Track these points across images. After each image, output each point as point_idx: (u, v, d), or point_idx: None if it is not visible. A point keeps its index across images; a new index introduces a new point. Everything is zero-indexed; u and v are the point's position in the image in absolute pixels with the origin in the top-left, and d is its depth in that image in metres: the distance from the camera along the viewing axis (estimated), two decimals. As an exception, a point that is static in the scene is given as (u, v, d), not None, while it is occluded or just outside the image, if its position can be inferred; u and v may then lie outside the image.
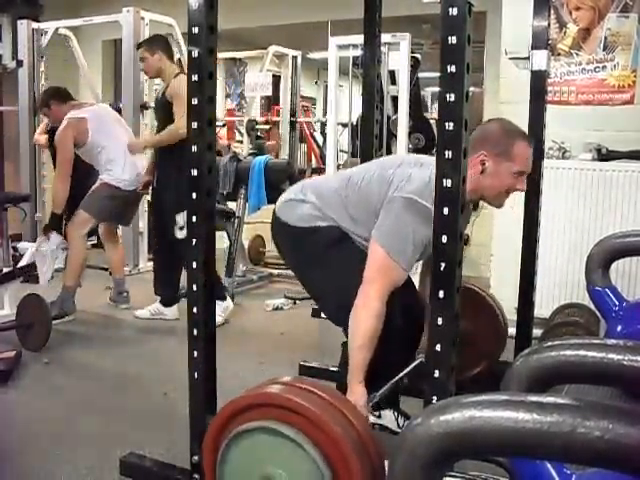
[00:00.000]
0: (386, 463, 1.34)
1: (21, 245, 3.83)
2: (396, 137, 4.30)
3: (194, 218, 1.77)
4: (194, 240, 1.78)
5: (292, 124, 6.57)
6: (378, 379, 2.02)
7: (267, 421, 1.41)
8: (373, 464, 1.38)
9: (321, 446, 1.36)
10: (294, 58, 6.60)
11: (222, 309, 3.67)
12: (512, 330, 2.64)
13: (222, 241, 4.48)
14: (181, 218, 3.52)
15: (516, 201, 2.58)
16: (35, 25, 5.46)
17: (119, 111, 4.68)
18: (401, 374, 2.07)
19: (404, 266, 1.89)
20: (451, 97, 1.44)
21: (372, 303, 1.86)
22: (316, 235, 2.07)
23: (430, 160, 1.98)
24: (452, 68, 1.44)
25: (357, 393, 1.87)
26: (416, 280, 2.39)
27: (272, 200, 4.49)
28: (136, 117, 5.02)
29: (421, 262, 2.30)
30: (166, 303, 3.83)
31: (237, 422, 1.47)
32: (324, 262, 2.08)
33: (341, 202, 2.06)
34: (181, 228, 3.53)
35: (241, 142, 7.45)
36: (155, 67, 3.71)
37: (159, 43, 3.76)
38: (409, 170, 1.97)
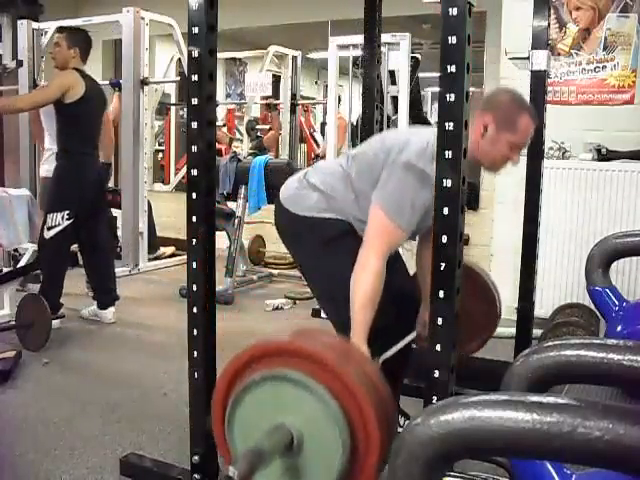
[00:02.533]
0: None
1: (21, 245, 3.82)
2: (396, 137, 4.29)
3: (194, 218, 1.77)
4: (194, 240, 1.78)
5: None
6: (378, 346, 2.02)
7: (280, 369, 1.35)
8: (383, 405, 1.33)
9: (332, 388, 1.30)
10: (294, 58, 6.60)
11: (112, 314, 3.73)
12: (512, 330, 2.64)
13: (222, 241, 4.48)
14: (53, 218, 3.46)
15: (517, 201, 2.58)
16: (35, 25, 5.46)
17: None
18: (400, 344, 2.07)
19: (403, 227, 1.88)
20: (451, 97, 1.44)
21: (372, 263, 1.85)
22: (321, 228, 2.06)
23: (429, 128, 2.09)
24: (452, 68, 1.44)
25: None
26: (411, 268, 2.38)
27: (272, 200, 4.50)
28: (135, 117, 5.02)
29: (417, 242, 2.31)
30: (102, 306, 3.78)
31: (247, 373, 1.40)
32: (328, 255, 2.06)
33: (346, 178, 2.05)
34: (49, 228, 3.46)
35: (241, 141, 7.46)
36: (64, 59, 3.62)
37: (81, 42, 3.70)
38: (407, 137, 1.99)
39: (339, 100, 4.75)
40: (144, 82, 5.07)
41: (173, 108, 7.86)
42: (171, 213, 5.78)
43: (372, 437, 1.28)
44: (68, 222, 3.45)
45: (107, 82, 5.20)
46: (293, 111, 6.65)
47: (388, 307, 1.92)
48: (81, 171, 3.53)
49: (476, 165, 2.04)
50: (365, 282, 1.85)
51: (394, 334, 2.09)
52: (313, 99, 9.34)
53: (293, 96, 6.62)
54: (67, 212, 3.44)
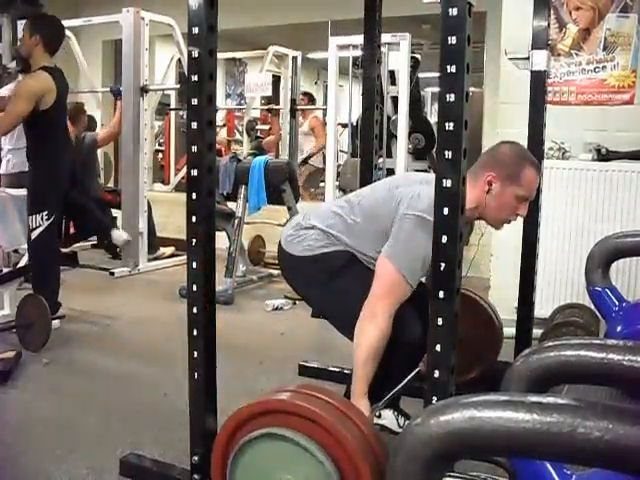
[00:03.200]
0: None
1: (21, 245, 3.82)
2: (396, 137, 4.30)
3: (194, 218, 1.77)
4: (194, 240, 1.78)
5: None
6: (381, 389, 2.03)
7: (273, 428, 1.42)
8: (380, 467, 1.39)
9: (329, 449, 1.37)
10: (294, 58, 6.60)
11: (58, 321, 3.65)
12: (512, 330, 2.64)
13: (222, 241, 4.48)
14: (33, 220, 3.43)
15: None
16: (35, 25, 5.45)
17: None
18: (402, 383, 2.08)
19: (412, 283, 1.90)
20: (451, 97, 1.44)
21: (379, 318, 1.87)
22: (324, 261, 2.07)
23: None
24: (452, 68, 1.44)
25: (361, 406, 1.87)
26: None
27: (272, 200, 4.51)
28: (135, 119, 5.02)
29: None
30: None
31: (245, 430, 1.48)
32: (335, 285, 2.08)
33: (347, 225, 2.06)
34: (32, 230, 3.44)
35: (241, 143, 7.47)
36: (27, 50, 3.45)
37: (44, 29, 3.42)
38: (417, 187, 1.97)
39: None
40: (144, 89, 5.09)
41: (173, 108, 7.89)
42: (170, 213, 5.78)
43: None
44: (48, 221, 3.43)
45: (107, 89, 5.23)
46: (293, 115, 6.67)
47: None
48: (54, 169, 3.48)
49: (479, 219, 2.05)
50: (371, 336, 1.87)
51: (399, 379, 2.10)
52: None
53: (293, 101, 6.63)
54: (45, 212, 3.43)
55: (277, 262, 2.31)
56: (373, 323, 1.87)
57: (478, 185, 1.94)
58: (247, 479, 1.47)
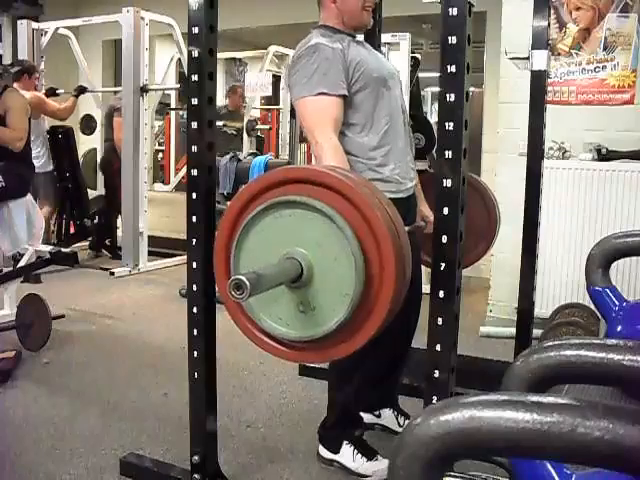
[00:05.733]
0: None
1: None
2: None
3: (194, 218, 1.77)
4: (194, 240, 1.78)
5: (292, 112, 6.61)
6: (375, 390, 2.07)
7: (291, 195, 1.30)
8: (402, 247, 1.28)
9: (351, 220, 1.25)
10: (294, 58, 6.60)
11: None
12: (512, 330, 2.64)
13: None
14: None
15: (517, 201, 2.58)
16: (35, 25, 5.46)
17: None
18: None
19: (327, 91, 1.83)
20: (451, 97, 1.45)
21: (322, 143, 1.80)
22: None
23: None
24: (452, 68, 1.44)
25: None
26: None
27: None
28: (135, 119, 5.02)
29: None
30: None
31: (258, 201, 1.35)
32: None
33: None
34: None
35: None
36: None
37: None
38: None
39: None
40: (144, 89, 5.09)
41: (173, 107, 7.88)
42: (170, 213, 5.78)
43: (387, 269, 1.23)
44: None
45: (107, 89, 5.22)
46: (293, 115, 6.66)
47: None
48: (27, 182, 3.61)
49: (354, 29, 2.01)
50: (328, 157, 1.78)
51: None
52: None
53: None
54: None
55: None
56: (321, 150, 1.80)
57: (325, 5, 1.98)
58: (254, 252, 1.33)
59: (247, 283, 1.10)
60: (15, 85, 4.24)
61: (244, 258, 1.34)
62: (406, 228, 2.14)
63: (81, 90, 5.32)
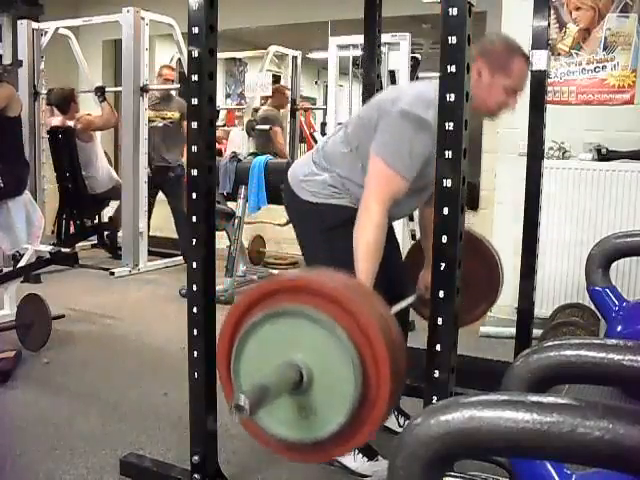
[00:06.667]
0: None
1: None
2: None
3: (194, 218, 1.77)
4: (194, 240, 1.78)
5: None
6: None
7: (289, 305, 1.32)
8: (397, 347, 1.30)
9: (347, 327, 1.27)
10: (294, 58, 6.60)
11: None
12: (512, 330, 2.63)
13: (222, 241, 4.47)
14: None
15: (516, 201, 2.58)
16: (35, 25, 5.45)
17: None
18: (401, 305, 2.07)
19: (403, 174, 1.86)
20: (451, 97, 1.45)
21: (372, 212, 1.84)
22: (325, 213, 2.05)
23: (422, 81, 2.17)
24: (452, 68, 1.44)
25: None
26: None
27: (272, 200, 4.50)
28: (135, 118, 5.02)
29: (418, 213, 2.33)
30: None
31: (255, 311, 1.36)
32: (326, 242, 2.05)
33: (347, 147, 2.04)
34: None
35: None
36: None
37: None
38: (398, 91, 2.03)
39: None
40: (144, 89, 5.08)
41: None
42: (170, 213, 5.77)
43: (383, 371, 1.25)
44: None
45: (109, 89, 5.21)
46: (293, 115, 6.67)
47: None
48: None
49: (475, 113, 2.02)
50: (368, 232, 1.83)
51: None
52: (313, 99, 9.35)
53: (293, 101, 6.63)
54: None
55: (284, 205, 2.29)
56: (367, 218, 1.84)
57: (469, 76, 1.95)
58: (255, 360, 1.34)
59: (247, 408, 1.13)
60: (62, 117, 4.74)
61: (244, 369, 1.36)
62: (410, 299, 2.15)
63: (102, 92, 5.21)
